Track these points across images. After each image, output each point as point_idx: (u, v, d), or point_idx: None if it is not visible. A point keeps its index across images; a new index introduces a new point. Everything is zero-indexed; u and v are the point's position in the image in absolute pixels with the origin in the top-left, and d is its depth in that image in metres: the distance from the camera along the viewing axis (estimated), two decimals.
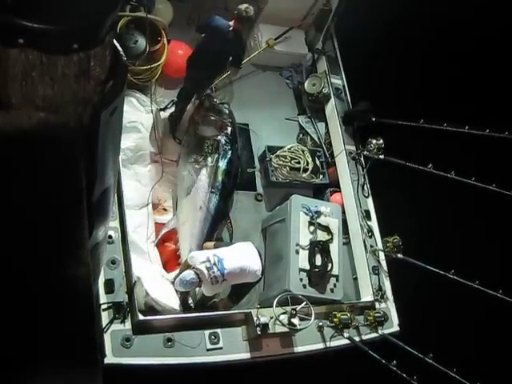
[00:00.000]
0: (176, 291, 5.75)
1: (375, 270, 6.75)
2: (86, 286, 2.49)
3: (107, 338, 4.98)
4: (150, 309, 5.46)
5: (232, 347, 5.52)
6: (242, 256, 5.59)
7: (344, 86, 7.86)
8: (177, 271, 6.03)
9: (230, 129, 6.86)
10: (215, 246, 5.88)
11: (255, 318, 5.48)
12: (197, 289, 5.71)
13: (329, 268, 6.27)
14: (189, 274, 5.25)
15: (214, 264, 5.28)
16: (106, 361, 4.86)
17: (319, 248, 6.32)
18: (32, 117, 1.81)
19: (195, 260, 5.43)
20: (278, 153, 7.23)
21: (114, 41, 1.86)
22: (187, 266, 5.67)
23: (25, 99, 1.77)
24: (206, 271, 5.25)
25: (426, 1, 8.40)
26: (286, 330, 5.55)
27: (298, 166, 7.25)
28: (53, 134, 1.86)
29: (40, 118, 1.82)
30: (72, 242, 2.27)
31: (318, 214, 6.46)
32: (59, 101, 1.80)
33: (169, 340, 5.20)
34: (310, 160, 7.33)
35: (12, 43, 1.61)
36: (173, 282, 5.79)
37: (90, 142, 2.00)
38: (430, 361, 5.61)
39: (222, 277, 5.30)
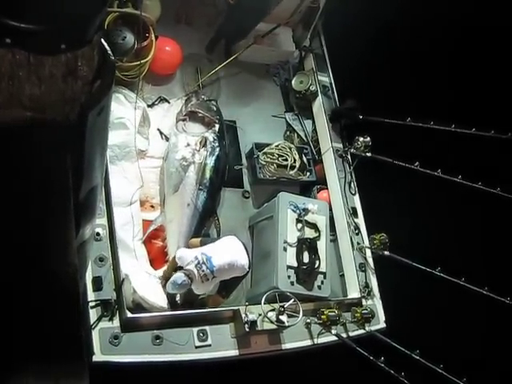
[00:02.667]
0: (163, 288, 5.76)
1: (362, 267, 6.78)
2: (73, 284, 2.49)
3: (95, 335, 4.96)
4: (138, 306, 5.46)
5: (220, 344, 5.53)
6: (229, 251, 5.59)
7: (331, 84, 7.85)
8: (164, 268, 6.03)
9: (217, 126, 6.85)
10: (201, 243, 5.88)
11: (243, 315, 5.48)
12: None
13: (316, 265, 6.28)
14: (180, 277, 5.25)
15: (203, 263, 5.29)
16: (94, 359, 4.84)
17: (307, 245, 6.33)
18: (19, 116, 1.81)
19: (183, 260, 5.43)
20: (265, 150, 7.23)
21: (102, 40, 1.86)
22: (175, 264, 5.67)
23: (11, 98, 1.77)
24: (195, 271, 5.26)
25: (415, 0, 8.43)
26: (274, 327, 5.56)
27: (285, 163, 7.25)
28: (39, 133, 1.85)
29: (27, 118, 1.81)
30: (58, 242, 2.27)
31: (306, 211, 6.47)
32: (46, 100, 1.80)
33: (157, 337, 5.19)
34: (297, 157, 7.34)
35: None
36: (161, 281, 5.81)
37: (76, 142, 2.00)
38: (417, 357, 5.65)
39: (211, 274, 5.32)
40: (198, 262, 5.31)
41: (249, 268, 5.81)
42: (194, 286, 5.43)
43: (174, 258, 5.73)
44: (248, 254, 5.81)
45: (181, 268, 5.45)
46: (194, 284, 5.36)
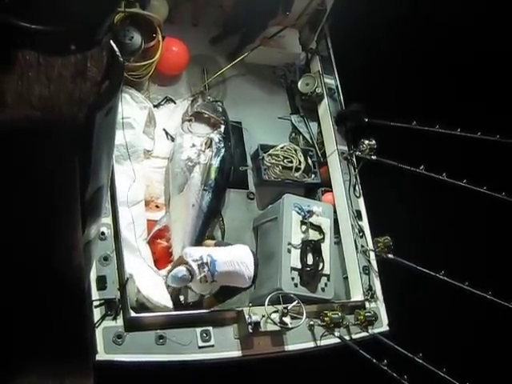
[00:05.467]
0: (167, 288, 5.76)
1: (366, 270, 6.77)
2: (78, 284, 2.50)
3: (99, 334, 4.96)
4: (142, 306, 5.46)
5: (223, 345, 5.53)
6: (236, 261, 5.50)
7: (337, 87, 7.86)
8: (169, 267, 6.03)
9: (223, 127, 6.84)
10: (216, 245, 5.88)
11: (247, 317, 5.49)
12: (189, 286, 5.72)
13: (320, 267, 6.29)
14: (181, 271, 5.25)
15: (206, 264, 5.27)
16: (98, 357, 4.84)
17: (311, 247, 6.34)
18: (27, 116, 1.82)
19: (188, 256, 5.42)
20: (270, 151, 7.23)
21: (111, 41, 1.87)
22: (181, 262, 5.66)
23: (20, 98, 1.77)
24: (196, 269, 5.25)
25: (421, 3, 8.42)
26: (277, 328, 5.56)
27: (290, 165, 7.25)
28: (47, 133, 1.86)
29: (35, 118, 1.82)
30: (65, 242, 2.28)
31: (311, 213, 6.48)
32: (55, 101, 1.80)
33: (160, 337, 5.19)
34: (302, 159, 7.33)
35: (10, 43, 1.62)
36: (165, 280, 5.81)
37: (84, 142, 2.01)
38: (420, 360, 5.64)
39: (211, 277, 5.28)
40: (202, 262, 5.30)
41: (252, 283, 5.75)
42: (192, 284, 5.43)
43: (181, 256, 5.71)
44: (256, 268, 5.73)
45: (186, 263, 5.44)
46: (192, 282, 5.36)
